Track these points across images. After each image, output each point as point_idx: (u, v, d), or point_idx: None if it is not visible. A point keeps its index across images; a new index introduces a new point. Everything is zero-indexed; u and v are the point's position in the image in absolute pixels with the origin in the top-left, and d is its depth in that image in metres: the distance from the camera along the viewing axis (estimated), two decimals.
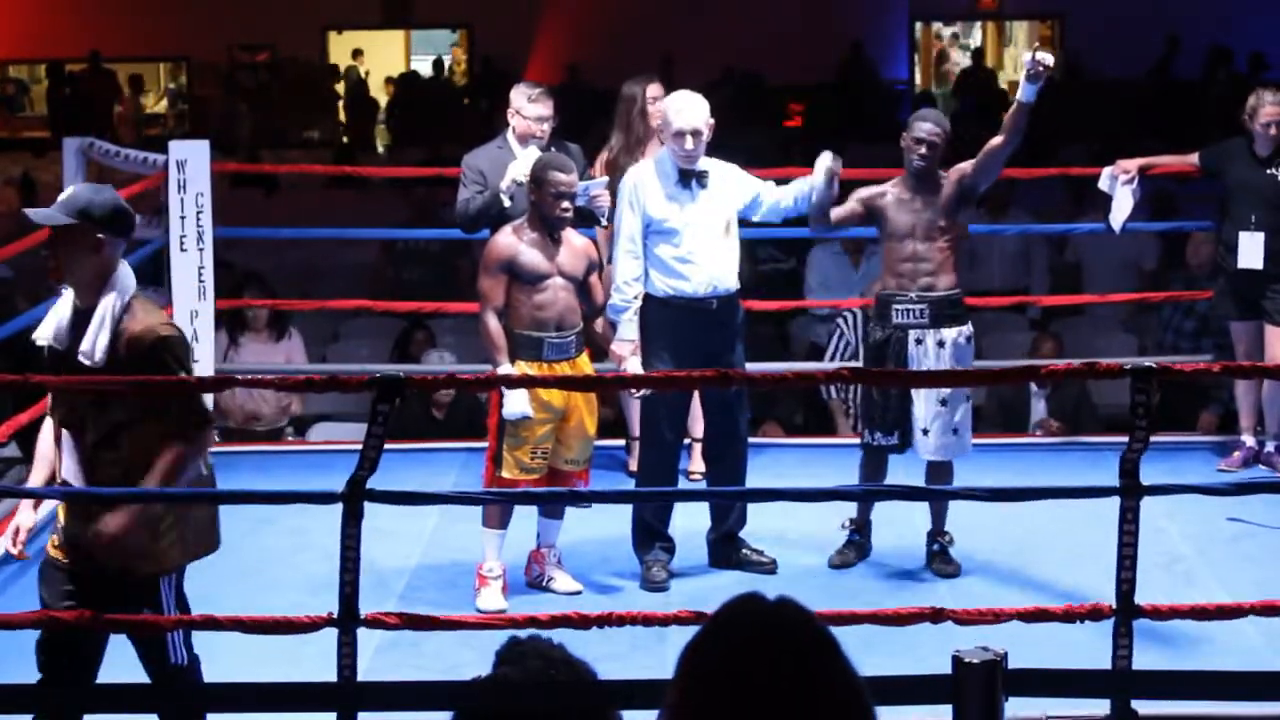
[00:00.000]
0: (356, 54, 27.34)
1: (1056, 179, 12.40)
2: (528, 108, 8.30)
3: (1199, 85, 23.15)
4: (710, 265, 7.64)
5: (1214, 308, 9.40)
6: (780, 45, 23.28)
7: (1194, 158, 9.28)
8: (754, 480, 7.96)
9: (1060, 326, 12.12)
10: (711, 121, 7.64)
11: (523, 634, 3.25)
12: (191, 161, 9.55)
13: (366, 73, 26.85)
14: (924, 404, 7.57)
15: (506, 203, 8.13)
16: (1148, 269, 12.82)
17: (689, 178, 7.64)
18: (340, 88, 26.95)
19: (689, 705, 2.77)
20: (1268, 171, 8.94)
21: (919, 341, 7.55)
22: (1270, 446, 9.09)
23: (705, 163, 7.66)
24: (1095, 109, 22.49)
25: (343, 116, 26.58)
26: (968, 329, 7.66)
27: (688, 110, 7.63)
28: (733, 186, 7.71)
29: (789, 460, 9.17)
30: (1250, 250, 8.92)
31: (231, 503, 5.84)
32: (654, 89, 8.76)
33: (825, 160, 7.62)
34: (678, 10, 24.83)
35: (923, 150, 7.57)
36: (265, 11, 25.73)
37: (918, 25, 27.35)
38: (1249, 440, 9.15)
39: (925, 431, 7.58)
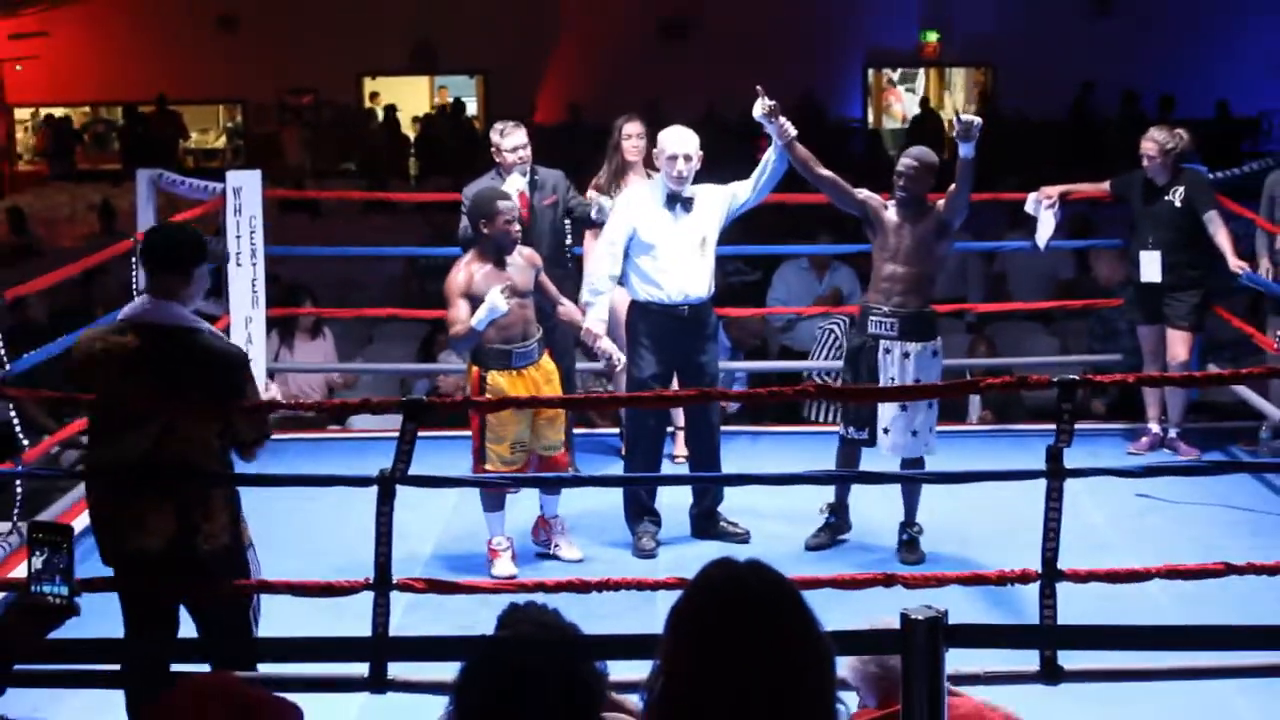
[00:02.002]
0: (374, 96, 27.34)
1: (990, 203, 12.38)
2: (503, 142, 8.41)
3: (1112, 124, 23.20)
4: (682, 278, 7.65)
5: (1125, 313, 9.42)
6: (753, 89, 23.28)
7: (1106, 185, 9.30)
8: (733, 463, 7.96)
9: (992, 330, 12.13)
10: (700, 153, 7.65)
11: (521, 600, 3.25)
12: (246, 189, 9.53)
13: (386, 108, 26.79)
14: (887, 406, 7.52)
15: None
16: (1063, 279, 12.83)
17: (675, 201, 7.64)
18: (375, 126, 26.99)
19: (677, 658, 2.78)
20: (1165, 198, 8.96)
21: (887, 351, 7.48)
22: (1173, 433, 9.11)
23: (692, 189, 7.66)
24: (1023, 144, 22.55)
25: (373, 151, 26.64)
26: (935, 344, 7.55)
27: (679, 138, 7.67)
28: (713, 207, 7.69)
29: (765, 445, 9.17)
30: (1149, 266, 8.98)
31: (285, 485, 5.83)
32: (631, 126, 8.74)
33: (757, 108, 7.55)
34: (665, 59, 24.87)
35: (900, 182, 7.50)
36: (309, 60, 25.79)
37: (870, 71, 27.38)
38: (1154, 428, 9.16)
39: (886, 430, 7.50)
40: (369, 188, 19.65)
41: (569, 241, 8.69)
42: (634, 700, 3.44)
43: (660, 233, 7.64)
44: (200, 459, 5.29)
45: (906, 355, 7.48)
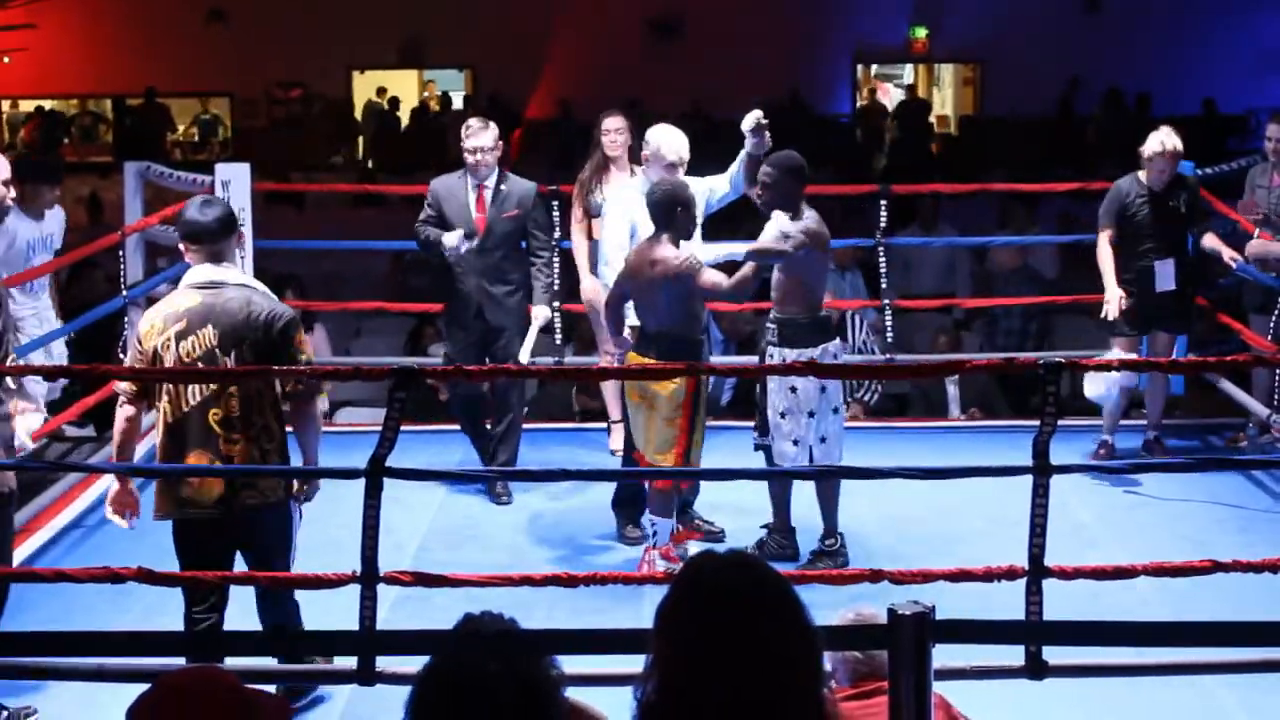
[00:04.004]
0: (381, 91, 27.31)
1: (979, 202, 12.42)
2: (465, 142, 8.28)
3: (1095, 120, 23.26)
4: None
5: (1116, 325, 8.76)
6: (740, 86, 23.37)
7: (1108, 234, 8.75)
8: (720, 458, 7.94)
9: (979, 326, 12.16)
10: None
11: (477, 609, 3.25)
12: (235, 182, 9.53)
13: (387, 104, 26.85)
14: (769, 415, 7.36)
15: (451, 257, 8.15)
16: (1047, 278, 12.84)
17: None
18: (360, 119, 27.01)
19: (667, 654, 2.78)
20: (1170, 204, 8.70)
21: (771, 358, 7.33)
22: (1150, 435, 8.99)
23: None
24: (1011, 141, 22.61)
25: (363, 145, 26.62)
26: (815, 351, 7.20)
27: (678, 144, 7.69)
28: (697, 199, 7.69)
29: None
30: (1165, 276, 8.68)
31: (271, 477, 5.82)
32: (610, 122, 8.70)
33: (749, 120, 7.56)
34: (655, 55, 24.90)
35: (757, 189, 7.34)
36: (298, 54, 25.77)
37: (859, 67, 27.38)
38: (1108, 439, 8.93)
39: (795, 441, 7.31)
40: (356, 182, 19.63)
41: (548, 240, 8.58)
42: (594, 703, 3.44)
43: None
44: (260, 411, 5.66)
45: (784, 361, 7.21)
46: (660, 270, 7.15)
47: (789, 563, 7.28)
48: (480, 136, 8.25)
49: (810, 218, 7.29)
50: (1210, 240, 8.88)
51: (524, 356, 8.16)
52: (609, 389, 9.02)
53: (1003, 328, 11.39)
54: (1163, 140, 8.65)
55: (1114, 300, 8.65)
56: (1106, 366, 7.56)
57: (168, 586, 5.64)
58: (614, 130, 8.63)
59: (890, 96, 27.93)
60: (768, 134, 7.63)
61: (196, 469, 5.63)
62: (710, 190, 7.78)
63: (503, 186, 8.32)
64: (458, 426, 8.71)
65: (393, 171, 24.05)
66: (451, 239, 8.13)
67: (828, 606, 5.24)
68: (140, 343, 5.68)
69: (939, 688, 4.20)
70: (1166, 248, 8.74)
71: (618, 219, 7.81)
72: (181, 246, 5.78)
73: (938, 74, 28.45)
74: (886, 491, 7.67)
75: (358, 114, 27.15)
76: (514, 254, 8.34)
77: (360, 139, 26.84)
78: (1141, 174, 8.75)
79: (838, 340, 7.45)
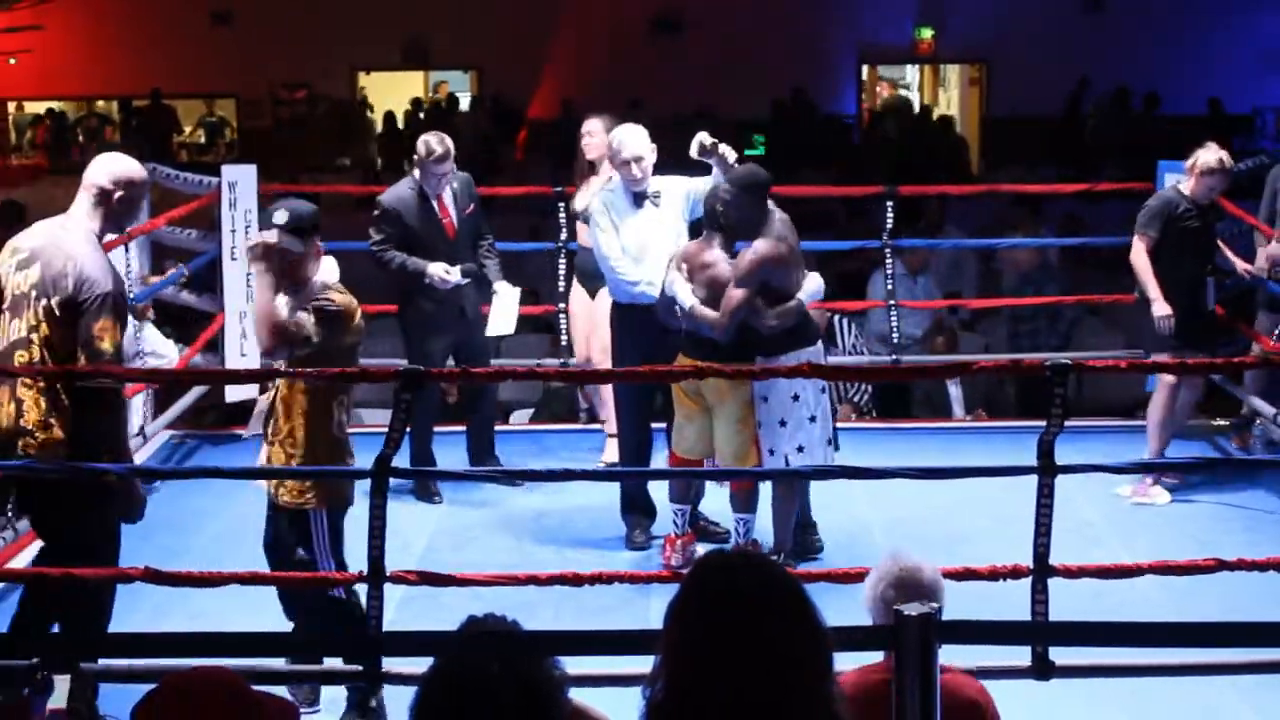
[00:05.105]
0: (360, 90, 27.38)
1: (986, 202, 12.39)
2: (429, 163, 8.17)
3: (1094, 118, 23.24)
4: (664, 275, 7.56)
5: (1154, 345, 8.34)
6: (744, 86, 23.38)
7: (1148, 241, 8.38)
8: None
9: (986, 325, 12.15)
10: (653, 147, 7.63)
11: (480, 611, 3.26)
12: (241, 183, 9.54)
13: (370, 105, 26.91)
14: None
15: (442, 288, 8.13)
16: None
17: (641, 199, 7.62)
18: (365, 119, 27.02)
19: (676, 653, 2.79)
20: (1208, 219, 8.47)
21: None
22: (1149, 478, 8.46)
23: (655, 182, 7.63)
24: (1016, 141, 22.59)
25: (371, 145, 26.63)
26: (788, 357, 7.00)
27: (630, 141, 7.60)
28: (678, 199, 7.64)
29: None
30: (1211, 293, 8.49)
31: (278, 478, 5.82)
32: (589, 124, 8.63)
33: (694, 149, 7.48)
34: (659, 55, 24.88)
35: (719, 207, 7.20)
36: (303, 55, 25.78)
37: (864, 68, 27.36)
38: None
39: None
40: (362, 183, 19.62)
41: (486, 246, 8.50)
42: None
43: (638, 234, 7.58)
44: None
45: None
46: (753, 257, 7.04)
47: (816, 556, 7.33)
48: (446, 163, 8.17)
49: (772, 229, 7.13)
50: (1221, 248, 8.83)
51: (509, 329, 8.19)
52: (609, 400, 8.87)
53: (1025, 329, 11.30)
54: (1221, 158, 8.35)
55: (1167, 313, 8.29)
56: (1114, 368, 7.51)
57: (174, 586, 5.65)
58: (589, 134, 8.57)
59: (896, 97, 27.91)
60: (724, 148, 7.45)
61: (218, 470, 5.70)
62: (697, 193, 7.63)
63: (454, 186, 8.31)
64: (464, 426, 8.72)
65: (398, 172, 24.08)
66: (437, 271, 8.10)
67: (834, 604, 5.23)
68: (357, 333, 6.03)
69: (985, 685, 4.20)
70: (1205, 263, 8.52)
71: (606, 237, 7.67)
72: (310, 245, 6.26)
73: (944, 74, 28.42)
74: (891, 491, 7.67)
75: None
76: (472, 248, 8.39)
77: (365, 140, 26.82)
78: (1184, 186, 8.44)
79: (819, 345, 7.30)
